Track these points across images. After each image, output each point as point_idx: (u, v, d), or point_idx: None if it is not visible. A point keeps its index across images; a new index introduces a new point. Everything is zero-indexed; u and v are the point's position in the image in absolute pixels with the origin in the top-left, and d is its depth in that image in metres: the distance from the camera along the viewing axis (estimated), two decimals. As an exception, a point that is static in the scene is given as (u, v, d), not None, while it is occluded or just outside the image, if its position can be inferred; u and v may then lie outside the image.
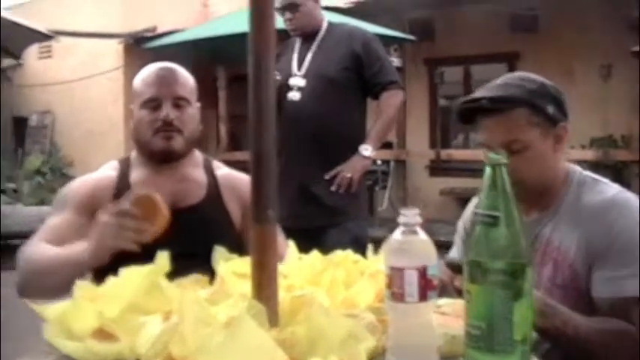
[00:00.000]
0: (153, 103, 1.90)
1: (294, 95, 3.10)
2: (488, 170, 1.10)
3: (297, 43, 3.25)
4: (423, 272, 1.06)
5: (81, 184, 1.95)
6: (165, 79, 1.93)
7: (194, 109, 1.96)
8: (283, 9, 3.15)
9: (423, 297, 1.07)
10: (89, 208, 1.86)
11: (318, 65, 3.15)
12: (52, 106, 11.10)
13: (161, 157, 1.91)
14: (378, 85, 3.15)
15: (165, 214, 1.66)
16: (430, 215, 8.39)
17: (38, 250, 1.78)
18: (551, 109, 1.63)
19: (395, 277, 1.07)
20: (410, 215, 1.09)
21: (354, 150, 3.11)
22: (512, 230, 1.08)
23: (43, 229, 1.87)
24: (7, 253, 7.72)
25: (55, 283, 1.64)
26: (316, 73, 3.13)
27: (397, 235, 1.09)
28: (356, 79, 3.16)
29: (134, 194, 1.68)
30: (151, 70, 1.97)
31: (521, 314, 1.07)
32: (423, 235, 1.09)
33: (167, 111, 1.88)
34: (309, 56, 3.18)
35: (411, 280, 1.06)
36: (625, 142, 7.99)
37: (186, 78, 1.98)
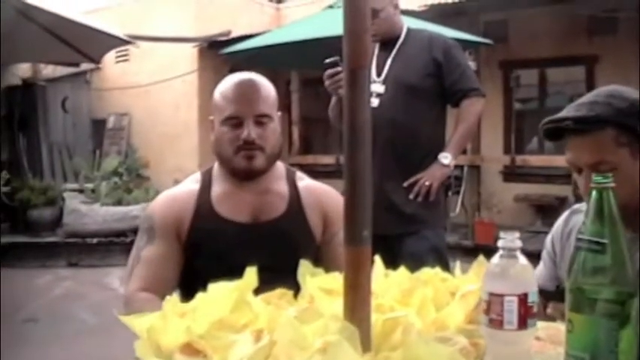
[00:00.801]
0: (234, 121, 1.88)
1: (372, 102, 3.07)
2: (594, 194, 1.05)
3: (376, 49, 3.22)
4: (523, 299, 1.03)
5: (165, 206, 1.96)
6: (247, 96, 1.90)
7: (275, 123, 1.94)
8: None
9: (523, 325, 1.03)
10: (175, 231, 1.90)
11: (397, 71, 3.12)
12: (129, 109, 11.36)
13: (243, 176, 1.91)
14: (458, 92, 3.10)
15: None
16: (504, 222, 8.24)
17: (148, 302, 1.78)
18: None
19: (494, 303, 1.03)
20: (510, 239, 1.05)
21: (433, 158, 3.07)
22: (619, 257, 1.03)
23: (139, 263, 1.90)
24: (84, 251, 7.98)
25: None
26: (396, 79, 3.10)
27: (496, 259, 1.06)
28: (436, 86, 3.11)
29: None
30: (231, 83, 1.94)
31: (628, 343, 1.02)
32: (523, 260, 1.05)
33: (249, 130, 1.86)
34: (388, 62, 3.15)
35: (511, 307, 1.02)
36: None
37: (267, 91, 1.94)
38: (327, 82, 2.90)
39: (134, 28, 9.69)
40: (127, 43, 8.13)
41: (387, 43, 3.20)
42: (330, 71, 2.84)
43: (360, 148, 1.10)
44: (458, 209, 8.95)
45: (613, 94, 1.61)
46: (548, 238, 1.88)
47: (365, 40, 1.12)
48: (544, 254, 1.88)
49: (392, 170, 3.06)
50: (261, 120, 1.88)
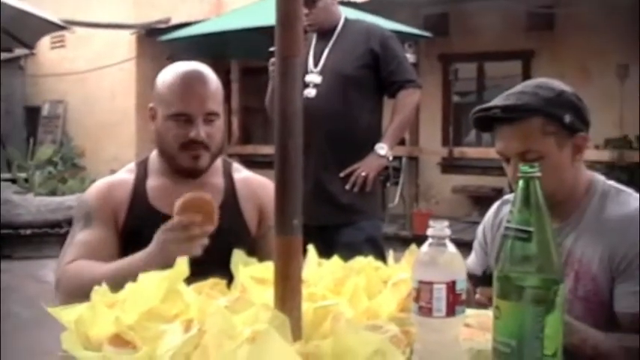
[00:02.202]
0: (182, 118, 1.81)
1: (309, 92, 3.06)
2: (520, 183, 1.07)
3: (313, 39, 3.21)
4: (451, 287, 1.04)
5: (101, 193, 1.91)
6: (197, 93, 1.82)
7: (221, 119, 1.89)
8: None
9: (451, 312, 1.04)
10: (112, 217, 1.86)
11: (334, 62, 3.12)
12: (65, 96, 11.11)
13: (186, 174, 1.87)
14: (395, 83, 3.12)
15: (217, 211, 1.68)
16: (442, 213, 8.35)
17: (83, 267, 1.75)
18: (568, 118, 1.58)
19: (423, 291, 1.04)
20: (439, 227, 1.06)
21: (369, 148, 3.08)
22: (545, 245, 1.06)
23: (73, 244, 1.85)
24: (18, 243, 7.77)
25: None
26: (333, 70, 3.10)
27: (426, 247, 1.07)
28: (373, 77, 3.12)
29: (185, 199, 1.65)
30: (179, 75, 1.85)
31: (553, 328, 1.04)
32: (452, 249, 1.06)
33: (197, 130, 1.80)
34: (325, 52, 3.14)
35: (440, 294, 1.03)
36: (640, 142, 7.93)
37: (216, 86, 1.87)
38: (271, 69, 2.89)
39: (70, 13, 9.47)
40: (62, 28, 7.96)
41: (325, 34, 3.19)
42: (274, 59, 2.83)
43: (291, 138, 1.09)
44: (396, 200, 9.04)
45: (541, 85, 1.63)
46: (480, 228, 1.91)
47: (297, 29, 1.11)
48: (475, 244, 1.91)
49: (328, 161, 3.06)
50: (210, 118, 1.83)
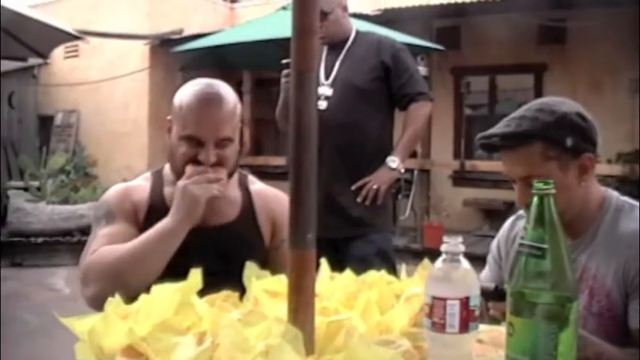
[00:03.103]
0: (194, 141, 1.80)
1: (320, 104, 3.05)
2: (535, 200, 1.07)
3: (324, 52, 3.22)
4: (465, 303, 1.04)
5: (121, 194, 1.90)
6: (211, 118, 1.80)
7: (236, 142, 1.86)
8: None
9: (464, 328, 1.04)
10: (133, 214, 1.85)
11: (345, 74, 3.12)
12: (78, 106, 11.16)
13: None
14: (406, 96, 3.12)
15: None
16: (453, 226, 8.33)
17: (106, 251, 1.74)
18: (570, 142, 1.58)
19: (436, 307, 1.04)
20: (453, 243, 1.06)
21: (380, 161, 3.08)
22: (559, 262, 1.05)
23: (96, 238, 1.82)
24: (29, 251, 7.80)
25: (150, 267, 1.68)
26: (344, 82, 3.11)
27: (440, 263, 1.07)
28: (384, 89, 3.12)
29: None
30: (196, 95, 1.82)
31: (567, 346, 1.04)
32: (466, 265, 1.06)
33: (207, 154, 1.79)
34: (336, 65, 3.15)
35: (453, 310, 1.03)
36: (652, 157, 7.88)
37: (232, 110, 1.84)
38: (283, 80, 2.89)
39: (84, 23, 9.54)
40: (76, 38, 7.99)
41: (336, 46, 3.19)
42: (286, 71, 2.83)
43: (306, 151, 1.09)
44: (407, 213, 9.02)
45: (542, 109, 1.63)
46: (494, 243, 1.90)
47: (313, 43, 1.12)
48: (489, 258, 1.91)
49: (339, 173, 3.06)
50: (223, 143, 1.81)
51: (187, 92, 1.84)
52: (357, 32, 3.25)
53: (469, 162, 9.02)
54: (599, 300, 1.60)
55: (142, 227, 1.85)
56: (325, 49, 3.22)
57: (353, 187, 3.05)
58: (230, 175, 1.88)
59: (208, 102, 1.82)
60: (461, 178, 9.46)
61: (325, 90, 3.10)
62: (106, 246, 1.76)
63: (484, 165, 8.74)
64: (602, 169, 7.36)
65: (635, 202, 1.69)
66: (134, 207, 1.87)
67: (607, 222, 1.64)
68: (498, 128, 1.64)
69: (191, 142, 1.81)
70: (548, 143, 1.58)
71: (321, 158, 3.00)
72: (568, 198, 1.60)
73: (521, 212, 1.85)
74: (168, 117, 1.89)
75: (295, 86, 1.12)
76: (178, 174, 1.84)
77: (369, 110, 3.10)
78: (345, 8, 3.22)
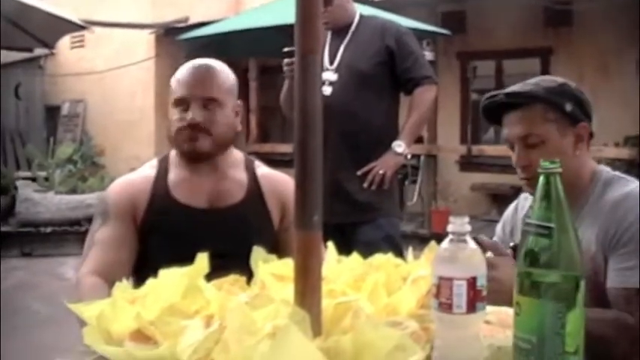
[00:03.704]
0: (182, 104, 1.88)
1: (325, 90, 3.03)
2: (541, 179, 1.07)
3: (328, 37, 3.20)
4: (472, 283, 1.03)
5: (120, 189, 1.95)
6: (197, 79, 1.89)
7: (227, 109, 1.92)
8: None
9: (472, 308, 1.04)
10: (130, 214, 1.89)
11: (350, 59, 3.11)
12: (84, 96, 11.18)
13: (188, 158, 1.90)
14: (411, 80, 3.10)
15: None
16: (460, 210, 8.32)
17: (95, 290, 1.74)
18: (569, 107, 1.65)
19: (443, 287, 1.04)
20: (459, 224, 1.06)
21: (386, 146, 3.07)
22: (566, 242, 1.05)
23: (93, 245, 1.88)
24: (38, 240, 7.84)
25: None
26: (348, 67, 3.09)
27: (446, 243, 1.06)
28: (389, 73, 3.11)
29: None
30: (187, 67, 1.93)
31: (574, 325, 1.04)
32: (472, 245, 1.06)
33: (193, 113, 1.85)
34: (341, 50, 3.13)
35: (460, 290, 1.03)
36: (660, 140, 7.84)
37: (223, 77, 1.93)
38: (286, 69, 2.89)
39: (89, 13, 9.53)
40: (82, 28, 8.02)
41: (340, 31, 3.17)
42: (289, 60, 2.83)
43: (311, 134, 1.09)
44: (415, 198, 9.02)
45: (544, 79, 1.74)
46: (499, 225, 1.93)
47: (316, 26, 1.11)
48: (495, 240, 1.91)
49: (345, 159, 3.05)
50: (208, 104, 1.87)
51: (181, 69, 1.95)
52: (361, 17, 3.23)
53: (476, 147, 9.00)
54: (586, 265, 1.61)
55: (144, 217, 1.88)
56: (329, 34, 3.20)
57: (359, 173, 3.05)
58: (223, 144, 1.90)
59: (197, 67, 1.92)
60: (468, 163, 9.44)
61: (330, 75, 3.09)
62: (98, 282, 1.77)
63: (491, 150, 8.72)
64: (609, 152, 7.37)
65: (624, 176, 1.74)
66: (133, 202, 1.91)
67: (595, 193, 1.69)
68: (503, 90, 1.73)
69: (180, 105, 1.88)
70: (549, 106, 1.65)
71: (327, 144, 3.01)
72: (562, 164, 1.61)
73: (524, 194, 1.86)
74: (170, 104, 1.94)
75: (300, 70, 1.12)
76: (174, 144, 1.89)
77: (373, 95, 3.09)
78: None
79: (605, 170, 1.74)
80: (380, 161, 3.05)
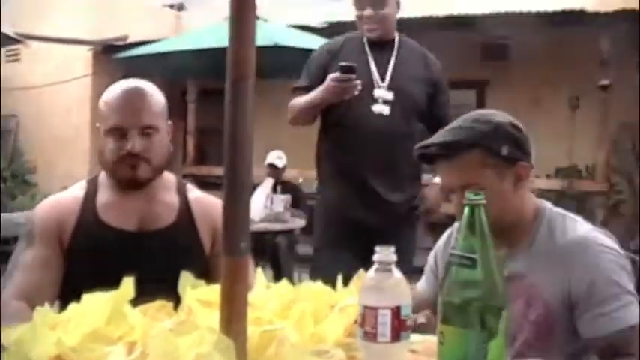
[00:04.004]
0: (118, 132, 1.83)
1: (382, 109, 3.02)
2: (466, 211, 1.09)
3: (367, 47, 3.11)
4: (396, 312, 1.05)
5: (47, 210, 1.90)
6: (132, 106, 1.84)
7: (163, 134, 1.89)
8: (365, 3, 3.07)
9: (396, 337, 1.05)
10: (56, 236, 1.85)
11: (401, 81, 3.07)
12: (18, 111, 10.91)
13: (126, 185, 1.87)
14: (444, 117, 3.02)
15: None
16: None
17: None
18: (505, 150, 1.63)
19: (368, 316, 1.05)
20: (385, 253, 1.07)
21: (415, 174, 3.12)
22: (489, 272, 1.07)
23: (17, 267, 1.83)
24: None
25: None
26: (401, 89, 3.06)
27: (372, 273, 1.07)
28: (429, 104, 3.13)
29: None
30: (117, 91, 1.87)
31: (496, 354, 1.06)
32: (397, 274, 1.07)
33: (133, 142, 1.81)
34: (389, 68, 3.08)
35: (385, 320, 1.04)
36: (589, 172, 8.09)
37: (155, 100, 1.89)
38: (332, 84, 2.84)
39: (27, 27, 9.34)
40: (17, 42, 7.82)
41: (382, 45, 3.11)
42: (342, 75, 2.81)
43: (241, 160, 1.09)
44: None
45: (478, 119, 1.68)
46: (432, 253, 1.94)
47: (249, 52, 1.11)
48: (426, 268, 1.94)
49: (395, 179, 3.06)
50: (146, 132, 1.84)
51: (109, 91, 1.89)
52: (400, 36, 3.20)
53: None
54: (537, 308, 1.63)
55: (71, 239, 1.84)
56: (367, 46, 3.12)
57: (421, 212, 3.17)
58: (160, 169, 1.88)
59: (128, 93, 1.86)
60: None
61: (384, 93, 3.04)
62: (18, 304, 1.73)
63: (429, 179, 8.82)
64: (541, 183, 7.55)
65: (567, 213, 1.73)
66: (59, 224, 1.87)
67: (542, 232, 1.68)
68: (436, 138, 1.68)
69: (116, 134, 1.83)
70: (486, 152, 1.62)
71: (380, 163, 3.03)
72: (504, 206, 1.64)
73: (457, 225, 1.88)
74: (97, 125, 1.89)
75: (231, 95, 1.11)
76: (112, 171, 1.86)
77: (417, 122, 3.10)
78: (398, 5, 3.15)
79: (548, 207, 1.73)
80: (433, 200, 3.12)
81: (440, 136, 1.68)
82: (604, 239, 1.65)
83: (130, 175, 1.83)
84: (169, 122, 1.95)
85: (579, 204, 7.32)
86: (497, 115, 1.70)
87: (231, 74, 1.11)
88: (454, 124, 1.70)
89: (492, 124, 1.65)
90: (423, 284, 1.91)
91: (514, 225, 1.67)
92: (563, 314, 1.61)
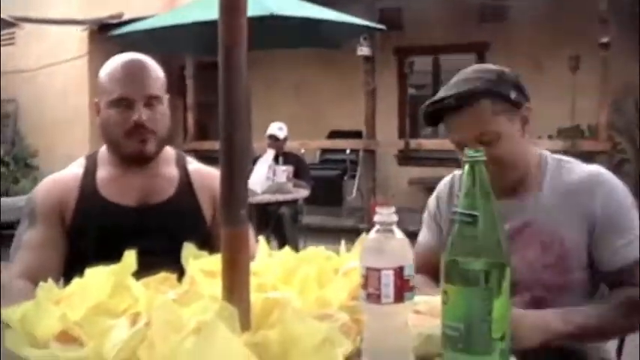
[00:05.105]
0: (123, 103, 1.80)
1: None
2: (466, 168, 1.08)
3: None
4: (399, 273, 1.04)
5: (47, 190, 1.89)
6: (137, 77, 1.82)
7: (164, 105, 1.88)
8: None
9: (399, 298, 1.04)
10: (58, 214, 1.85)
11: None
12: (16, 95, 10.88)
13: (134, 160, 1.85)
14: None
15: None
16: (399, 204, 8.34)
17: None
18: (513, 94, 1.65)
19: (371, 277, 1.04)
20: (386, 214, 1.06)
21: None
22: (491, 229, 1.06)
23: (20, 248, 1.83)
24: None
25: None
26: None
27: (373, 234, 1.06)
28: None
29: None
30: (118, 63, 1.85)
31: (500, 312, 1.05)
32: (399, 235, 1.06)
33: (139, 113, 1.79)
34: None
35: (387, 281, 1.03)
36: (591, 132, 8.06)
37: (156, 72, 1.87)
38: None
39: (20, 9, 9.28)
40: (11, 25, 7.77)
41: None
42: None
43: (237, 129, 1.08)
44: (354, 193, 9.07)
45: (479, 70, 1.70)
46: (431, 201, 1.91)
47: (241, 18, 1.09)
48: (426, 217, 1.92)
49: None
50: (151, 102, 1.82)
51: (109, 64, 1.87)
52: None
53: (414, 141, 9.10)
54: (553, 251, 1.65)
55: (73, 216, 1.84)
56: None
57: None
58: (163, 142, 1.87)
59: (131, 64, 1.85)
60: (406, 158, 9.54)
61: None
62: (23, 283, 1.73)
63: (429, 143, 8.83)
64: (543, 144, 7.53)
65: (568, 158, 1.76)
66: (60, 202, 1.86)
67: (548, 176, 1.70)
68: (445, 93, 1.66)
69: (121, 106, 1.81)
70: (497, 98, 1.62)
71: None
72: (517, 152, 1.66)
73: (457, 173, 1.87)
74: (95, 100, 1.88)
75: (224, 63, 1.10)
76: (118, 145, 1.84)
77: None
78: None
79: (549, 153, 1.75)
80: None
81: (449, 90, 1.66)
82: (610, 174, 1.68)
83: (139, 148, 1.82)
84: (167, 96, 1.94)
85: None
86: (495, 66, 1.72)
87: (223, 41, 1.09)
88: (456, 79, 1.69)
89: (495, 72, 1.67)
90: (425, 234, 1.89)
91: (524, 172, 1.70)
92: (580, 251, 1.64)
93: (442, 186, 1.91)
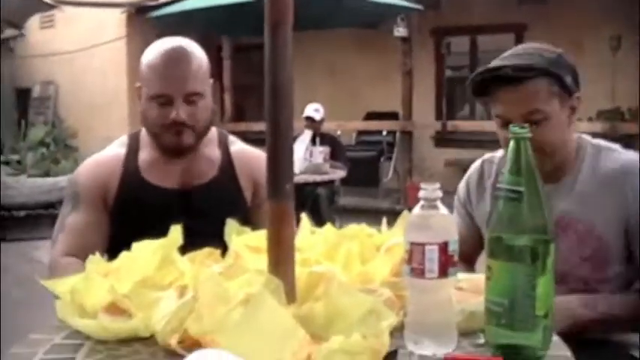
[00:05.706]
0: (162, 99, 1.78)
1: None
2: (511, 144, 1.07)
3: None
4: (444, 248, 1.04)
5: (90, 172, 1.90)
6: (177, 73, 1.78)
7: (207, 98, 1.85)
8: None
9: (443, 273, 1.05)
10: (101, 197, 1.86)
11: None
12: (55, 77, 11.03)
13: (172, 152, 1.86)
14: None
15: None
16: (435, 187, 8.34)
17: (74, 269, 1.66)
18: (569, 80, 1.58)
19: (415, 252, 1.05)
20: (430, 190, 1.06)
21: None
22: (536, 205, 1.06)
23: (64, 230, 1.85)
24: (11, 225, 7.75)
25: None
26: None
27: (418, 209, 1.07)
28: None
29: None
30: (160, 53, 1.81)
31: (544, 289, 1.05)
32: (443, 210, 1.07)
33: (177, 111, 1.77)
34: None
35: (432, 255, 1.04)
36: (632, 114, 7.93)
37: (199, 63, 1.82)
38: None
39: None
40: (51, 7, 7.87)
41: None
42: None
43: (283, 106, 1.09)
44: (390, 174, 9.05)
45: (540, 47, 1.63)
46: (462, 187, 1.87)
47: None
48: (456, 204, 1.87)
49: None
50: (191, 98, 1.80)
51: (151, 52, 1.83)
52: None
53: (451, 122, 9.04)
54: (591, 244, 1.61)
55: (115, 198, 1.85)
56: None
57: None
58: (204, 133, 1.87)
59: (172, 58, 1.80)
60: (443, 139, 9.49)
61: None
62: (72, 261, 1.75)
63: (466, 125, 8.77)
64: (583, 126, 7.42)
65: (608, 144, 1.70)
66: (103, 185, 1.87)
67: (586, 166, 1.65)
68: (502, 62, 1.59)
69: (160, 100, 1.79)
70: (554, 79, 1.57)
71: None
72: (561, 138, 1.61)
73: (487, 157, 1.84)
74: (137, 84, 1.87)
75: (270, 42, 1.11)
76: (156, 137, 1.84)
77: None
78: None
79: (589, 139, 1.70)
80: None
81: (506, 61, 1.59)
82: None
83: (174, 141, 1.81)
84: (211, 80, 1.92)
85: (622, 146, 7.18)
86: (552, 46, 1.65)
87: (269, 19, 1.10)
88: (515, 51, 1.63)
89: (556, 52, 1.61)
90: (455, 220, 1.86)
91: (563, 159, 1.64)
92: (618, 244, 1.60)
93: (472, 171, 1.85)
